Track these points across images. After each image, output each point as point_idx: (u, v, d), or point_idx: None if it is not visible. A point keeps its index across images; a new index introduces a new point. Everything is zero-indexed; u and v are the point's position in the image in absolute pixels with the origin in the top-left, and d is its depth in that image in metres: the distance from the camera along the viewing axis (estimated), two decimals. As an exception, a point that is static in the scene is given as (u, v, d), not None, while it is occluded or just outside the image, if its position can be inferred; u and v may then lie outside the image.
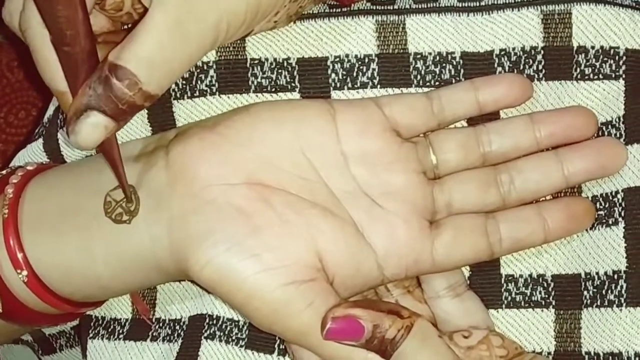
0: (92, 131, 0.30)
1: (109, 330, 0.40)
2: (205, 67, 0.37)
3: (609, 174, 0.35)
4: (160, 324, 0.39)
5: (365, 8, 0.37)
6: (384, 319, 0.31)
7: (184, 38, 0.30)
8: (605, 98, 0.36)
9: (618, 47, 0.35)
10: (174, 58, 0.30)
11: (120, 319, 0.40)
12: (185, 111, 0.37)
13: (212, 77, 0.37)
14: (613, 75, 0.36)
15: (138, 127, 0.38)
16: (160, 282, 0.38)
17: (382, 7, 0.37)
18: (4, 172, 0.37)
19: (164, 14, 0.30)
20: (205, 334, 0.37)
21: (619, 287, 0.35)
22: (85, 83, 0.30)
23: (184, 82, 0.37)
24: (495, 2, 0.36)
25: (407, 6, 0.36)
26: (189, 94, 0.37)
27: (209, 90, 0.37)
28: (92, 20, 0.34)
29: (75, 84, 0.30)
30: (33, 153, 0.41)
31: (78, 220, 0.34)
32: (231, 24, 0.32)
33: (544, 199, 0.36)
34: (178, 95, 0.37)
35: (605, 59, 0.35)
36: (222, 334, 0.37)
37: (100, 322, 0.40)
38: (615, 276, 0.35)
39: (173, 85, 0.37)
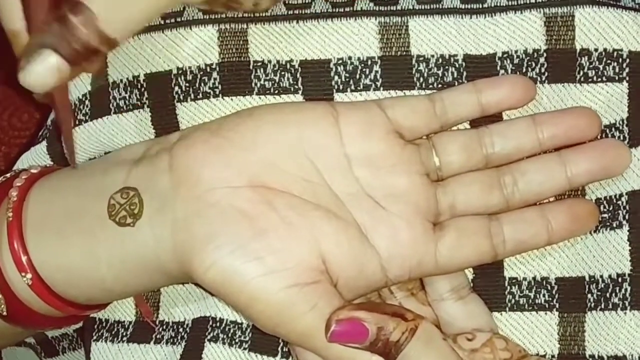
0: (44, 71, 0.29)
1: (113, 332, 0.40)
2: (208, 70, 0.37)
3: (612, 176, 0.35)
4: (164, 327, 0.39)
5: (368, 9, 0.37)
6: (388, 322, 0.31)
7: None
8: (609, 101, 0.36)
9: (621, 50, 0.35)
10: (134, 3, 0.30)
11: (124, 321, 0.40)
12: (188, 114, 0.37)
13: (215, 79, 0.37)
14: (616, 78, 0.35)
15: (141, 129, 0.38)
16: (164, 285, 0.38)
17: (385, 8, 0.37)
18: (8, 175, 0.37)
19: None
20: (209, 337, 0.37)
21: (623, 290, 0.35)
22: (42, 21, 0.29)
23: (187, 84, 0.37)
24: (498, 4, 0.36)
25: (410, 7, 0.36)
26: (192, 96, 0.37)
27: (212, 93, 0.37)
28: None
29: (33, 23, 0.30)
30: (37, 156, 0.41)
31: (82, 223, 0.34)
32: None
33: (547, 200, 0.36)
34: (181, 97, 0.37)
35: (609, 61, 0.35)
36: (225, 336, 0.37)
37: (104, 324, 0.40)
38: (620, 279, 0.35)
39: (176, 88, 0.37)
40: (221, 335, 0.37)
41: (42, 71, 0.29)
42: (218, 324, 0.37)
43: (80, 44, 0.29)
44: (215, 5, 0.34)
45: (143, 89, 0.37)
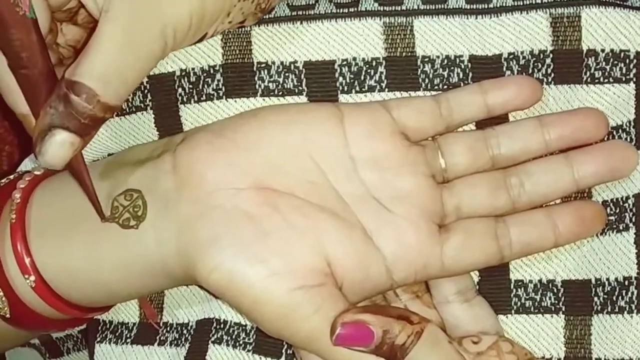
0: (58, 149, 0.30)
1: (117, 334, 0.40)
2: (211, 71, 0.37)
3: (619, 177, 0.35)
4: (168, 328, 0.39)
5: (373, 9, 0.36)
6: (394, 325, 0.31)
7: (133, 48, 0.31)
8: (616, 102, 0.35)
9: (628, 50, 0.35)
10: (127, 68, 0.31)
11: (128, 323, 0.40)
12: (192, 115, 0.37)
13: (218, 81, 0.37)
14: (623, 79, 0.35)
15: (145, 131, 0.38)
16: (168, 287, 0.38)
17: (390, 8, 0.36)
18: (11, 177, 0.37)
19: (112, 27, 0.31)
20: (213, 338, 0.37)
21: (629, 294, 0.35)
22: (46, 103, 0.30)
23: (190, 86, 0.37)
24: (504, 4, 0.36)
25: (415, 7, 0.36)
26: (195, 98, 0.37)
27: (215, 94, 0.37)
28: (67, 33, 0.35)
29: (37, 106, 0.31)
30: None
31: (85, 225, 0.34)
32: (177, 29, 0.32)
33: (554, 202, 0.36)
34: (185, 99, 0.37)
35: (616, 62, 0.35)
36: (229, 338, 0.37)
37: (108, 326, 0.40)
38: (626, 282, 0.35)
39: (180, 90, 0.37)
40: (225, 337, 0.37)
41: (56, 150, 0.30)
42: (222, 326, 0.37)
43: (86, 118, 0.30)
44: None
45: (146, 91, 0.37)
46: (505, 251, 0.34)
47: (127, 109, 0.38)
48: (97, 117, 0.30)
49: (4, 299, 0.34)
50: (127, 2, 0.31)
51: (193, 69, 0.37)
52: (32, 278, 0.34)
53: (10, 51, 0.30)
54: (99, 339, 0.40)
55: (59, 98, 0.30)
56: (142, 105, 0.38)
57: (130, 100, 0.38)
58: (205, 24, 0.33)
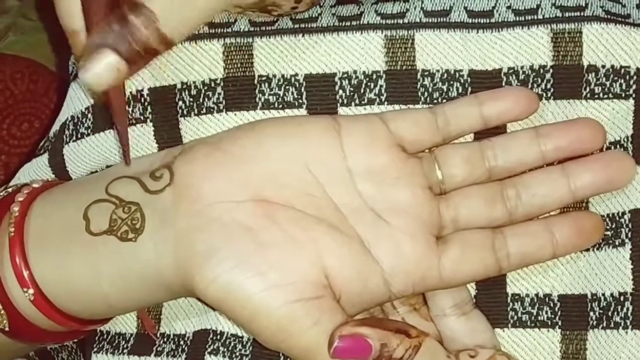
0: (103, 71, 0.30)
1: (114, 344, 0.40)
2: (212, 85, 0.37)
3: (616, 188, 0.35)
4: (165, 339, 0.39)
5: (375, 22, 0.37)
6: (392, 338, 0.31)
7: None
8: (614, 117, 0.36)
9: (629, 67, 0.35)
10: (191, 5, 0.30)
11: (125, 333, 0.40)
12: (192, 128, 0.37)
13: (219, 94, 0.37)
14: (623, 95, 0.35)
15: (144, 143, 0.38)
16: (166, 300, 0.37)
17: (392, 21, 0.36)
18: (10, 189, 0.37)
19: None
20: (209, 349, 0.37)
21: (624, 309, 0.35)
22: (102, 20, 0.30)
23: (191, 99, 0.37)
24: (506, 20, 0.36)
25: (417, 20, 0.36)
26: (195, 111, 0.37)
27: (216, 108, 0.37)
28: None
29: (93, 22, 0.30)
30: (38, 168, 0.41)
31: (84, 237, 0.34)
32: None
33: (552, 213, 0.36)
34: (185, 112, 0.37)
35: (616, 78, 0.35)
36: (225, 349, 0.37)
37: (105, 336, 0.40)
38: (622, 298, 0.35)
39: (180, 102, 0.37)
40: (221, 349, 0.37)
41: (100, 70, 0.30)
42: (218, 337, 0.37)
43: (139, 44, 0.30)
44: (256, 9, 0.34)
45: (147, 104, 0.37)
46: (503, 262, 0.34)
47: (127, 121, 0.38)
48: (150, 46, 0.30)
49: (2, 312, 0.34)
50: None
51: (194, 82, 0.37)
52: (31, 291, 0.34)
53: None
54: (95, 349, 0.40)
55: (118, 18, 0.29)
56: (142, 117, 0.37)
57: (131, 112, 0.38)
58: None
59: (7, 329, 0.35)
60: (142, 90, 0.37)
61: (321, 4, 0.37)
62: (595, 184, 0.35)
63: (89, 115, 0.39)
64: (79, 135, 0.39)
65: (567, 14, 0.36)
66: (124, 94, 0.32)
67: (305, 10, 0.36)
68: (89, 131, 0.39)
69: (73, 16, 0.31)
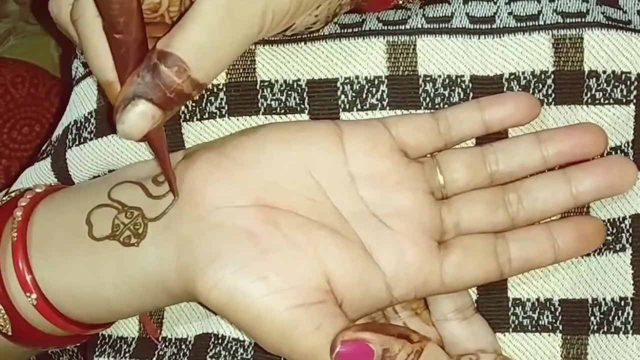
0: (139, 120, 0.30)
1: (115, 348, 0.40)
2: (215, 90, 0.37)
3: (618, 193, 0.35)
4: (167, 343, 0.39)
5: (377, 28, 0.37)
6: (394, 343, 0.31)
7: (232, 26, 0.30)
8: (615, 123, 0.36)
9: (630, 72, 0.35)
10: (223, 46, 0.30)
11: (127, 337, 0.40)
12: (194, 133, 0.37)
13: (221, 99, 0.37)
14: (624, 100, 0.36)
15: (147, 148, 0.38)
16: (168, 304, 0.38)
17: (394, 27, 0.36)
18: (12, 194, 0.37)
19: (214, 2, 0.30)
20: (211, 353, 0.37)
21: (625, 314, 0.35)
22: (134, 71, 0.30)
23: (193, 104, 0.37)
24: (507, 25, 0.36)
25: (419, 26, 0.36)
26: (198, 116, 0.37)
27: (218, 113, 0.37)
28: None
29: (124, 73, 0.30)
30: (40, 172, 0.41)
31: (86, 242, 0.34)
32: (276, 12, 0.32)
33: (554, 218, 0.36)
34: (187, 117, 0.37)
35: (617, 83, 0.35)
36: (227, 353, 0.37)
37: (107, 340, 0.40)
38: (622, 303, 0.35)
39: (182, 107, 0.37)
40: (223, 353, 0.37)
41: (136, 120, 0.30)
42: (220, 341, 0.37)
43: (172, 92, 0.30)
44: (275, 34, 0.35)
45: None
46: (505, 267, 0.34)
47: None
48: (183, 92, 0.30)
49: (5, 316, 0.34)
50: None
51: None
52: (34, 296, 0.34)
53: (109, 15, 0.30)
54: (97, 353, 0.40)
55: (149, 68, 0.30)
56: None
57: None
58: (300, 12, 0.33)
59: (9, 333, 0.35)
60: None
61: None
62: (597, 188, 0.35)
63: (92, 120, 0.39)
64: (82, 140, 0.39)
65: (568, 20, 0.36)
66: (163, 134, 0.33)
67: (319, 28, 0.36)
68: (92, 135, 0.39)
69: (106, 68, 0.31)
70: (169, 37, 0.30)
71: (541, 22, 0.36)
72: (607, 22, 0.36)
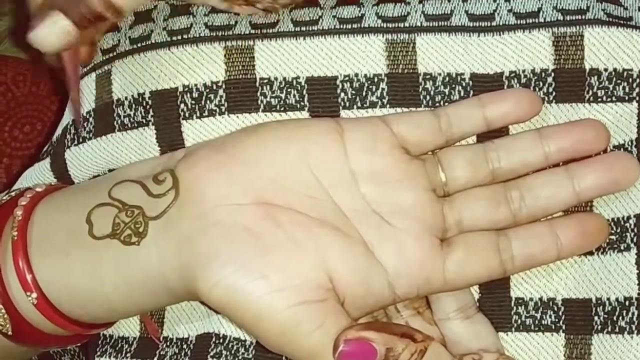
0: (52, 34, 0.30)
1: (117, 348, 0.40)
2: (214, 87, 0.37)
3: (621, 189, 0.35)
4: (168, 343, 0.39)
5: (376, 25, 0.36)
6: (397, 342, 0.31)
7: None
8: (618, 121, 0.36)
9: (631, 70, 0.35)
10: None
11: (128, 337, 0.40)
12: (194, 131, 0.37)
13: (221, 96, 0.37)
14: (626, 98, 0.35)
15: (146, 147, 0.38)
16: (169, 304, 0.38)
17: (393, 25, 0.36)
18: (12, 193, 0.37)
19: None
20: (212, 353, 0.37)
21: (630, 314, 0.35)
22: None
23: (193, 102, 0.37)
24: (507, 23, 0.36)
25: (419, 24, 0.36)
26: (197, 113, 0.37)
27: (218, 110, 0.37)
28: None
29: None
30: (40, 172, 0.41)
31: (86, 241, 0.34)
32: None
33: (556, 215, 0.35)
34: (187, 115, 0.37)
35: (619, 81, 0.35)
36: (228, 353, 0.37)
37: (108, 340, 0.40)
38: (627, 303, 0.35)
39: (182, 105, 0.37)
40: (224, 352, 0.37)
41: (50, 33, 0.30)
42: (221, 341, 0.37)
43: (88, 10, 0.30)
44: (235, 1, 0.34)
45: (148, 107, 0.37)
46: (508, 265, 0.34)
47: (129, 125, 0.38)
48: (100, 14, 0.30)
49: (6, 316, 0.34)
50: None
51: (196, 85, 0.37)
52: (34, 295, 0.34)
53: None
54: (98, 353, 0.40)
55: None
56: (144, 120, 0.37)
57: (132, 115, 0.38)
58: None
59: (10, 333, 0.35)
60: (144, 93, 0.37)
61: (321, 6, 0.37)
62: (600, 185, 0.34)
63: (90, 119, 0.39)
64: (81, 140, 0.39)
65: (568, 17, 0.36)
66: (78, 59, 0.33)
67: (287, 3, 0.36)
68: (91, 135, 0.39)
69: None
70: None
71: (541, 20, 0.36)
72: (607, 19, 0.35)
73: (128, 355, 0.39)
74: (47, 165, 0.40)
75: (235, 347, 0.37)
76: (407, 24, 0.36)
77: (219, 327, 0.37)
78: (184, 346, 0.38)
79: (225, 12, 0.37)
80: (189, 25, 0.37)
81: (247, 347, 0.37)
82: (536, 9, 0.36)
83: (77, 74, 0.33)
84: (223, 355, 0.37)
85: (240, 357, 0.37)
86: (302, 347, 0.32)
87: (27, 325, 0.35)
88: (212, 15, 0.37)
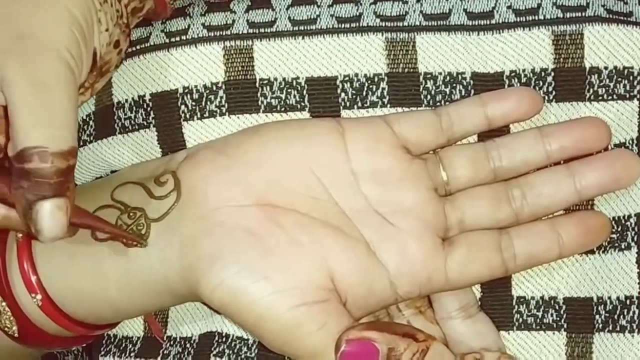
0: (52, 220, 0.29)
1: (121, 348, 0.40)
2: (214, 88, 0.37)
3: (622, 187, 0.35)
4: (171, 342, 0.39)
5: (375, 24, 0.36)
6: (399, 342, 0.31)
7: (45, 88, 0.29)
8: (619, 119, 0.35)
9: (632, 67, 0.35)
10: (53, 108, 0.29)
11: (132, 337, 0.40)
12: (195, 132, 0.37)
13: (221, 97, 0.37)
14: (627, 96, 0.35)
15: (148, 149, 0.38)
16: (172, 305, 0.38)
17: (392, 24, 0.36)
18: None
19: (15, 85, 0.29)
20: (215, 352, 0.37)
21: (631, 313, 0.35)
22: (11, 191, 0.29)
23: (193, 103, 0.37)
24: (506, 21, 0.36)
25: (417, 23, 0.36)
26: (198, 115, 0.37)
27: (218, 111, 0.37)
28: None
29: (6, 198, 0.30)
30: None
31: (90, 243, 0.34)
32: (68, 46, 0.30)
33: (558, 213, 0.35)
34: (188, 116, 0.37)
35: (619, 79, 0.35)
36: (231, 352, 0.37)
37: (112, 339, 0.40)
38: (628, 301, 0.35)
39: (182, 107, 0.37)
40: (227, 351, 0.37)
41: (50, 222, 0.29)
42: (224, 340, 0.38)
43: (52, 176, 0.29)
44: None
45: (149, 109, 0.37)
46: (510, 263, 0.34)
47: (130, 127, 0.38)
48: (61, 169, 0.29)
49: (12, 318, 0.35)
50: (11, 57, 0.29)
51: (196, 86, 0.37)
52: (39, 297, 0.34)
53: None
54: (102, 353, 0.40)
55: (18, 177, 0.29)
56: (145, 122, 0.37)
57: (133, 117, 0.38)
58: (87, 35, 0.32)
59: (16, 335, 0.35)
60: (144, 95, 0.37)
61: (318, 4, 0.37)
62: (601, 183, 0.34)
63: (91, 123, 0.39)
64: (82, 143, 0.39)
65: (568, 15, 0.35)
66: (82, 210, 0.32)
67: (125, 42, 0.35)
68: (92, 138, 0.39)
69: None
70: (11, 143, 0.29)
71: (540, 17, 0.35)
72: (607, 16, 0.35)
73: (132, 354, 0.40)
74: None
75: (238, 346, 0.37)
76: (406, 23, 0.36)
77: (222, 326, 0.38)
78: (187, 345, 0.39)
79: (221, 12, 0.37)
80: (186, 27, 0.37)
81: (250, 346, 0.37)
82: (535, 5, 0.36)
83: (99, 220, 0.32)
84: (226, 354, 0.37)
85: (242, 356, 0.37)
86: (305, 348, 0.32)
87: (32, 327, 0.35)
88: (209, 15, 0.37)
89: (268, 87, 0.36)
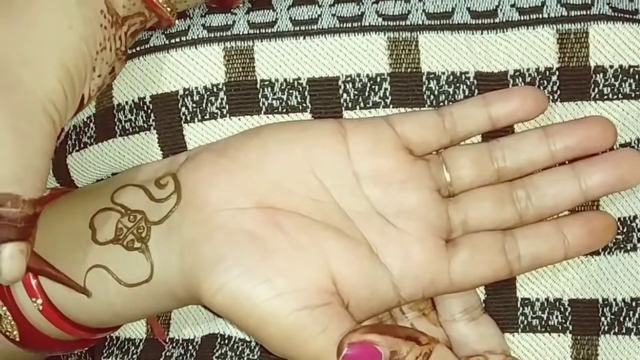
0: (12, 263, 0.29)
1: (123, 350, 0.40)
2: (215, 90, 0.36)
3: (628, 187, 0.34)
4: (174, 344, 0.39)
5: (377, 24, 0.36)
6: (402, 345, 0.31)
7: (26, 139, 0.29)
8: (625, 118, 0.35)
9: (638, 66, 0.34)
10: (31, 158, 0.30)
11: (135, 339, 0.40)
12: (195, 134, 0.37)
13: (222, 99, 0.36)
14: (633, 95, 0.35)
15: (149, 151, 0.38)
16: (173, 308, 0.38)
17: (394, 23, 0.36)
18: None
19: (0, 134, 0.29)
20: (217, 354, 0.37)
21: (637, 315, 0.35)
22: None
23: (194, 105, 0.37)
24: (510, 19, 0.35)
25: (420, 22, 0.36)
26: (199, 116, 0.37)
27: (219, 113, 0.37)
28: None
29: None
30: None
31: (90, 247, 0.34)
32: (55, 101, 0.31)
33: (563, 214, 0.35)
34: (188, 118, 0.37)
35: (625, 78, 0.35)
36: (233, 354, 0.37)
37: (115, 342, 0.40)
38: (634, 303, 0.35)
39: (183, 109, 0.37)
40: (229, 353, 0.37)
41: (10, 264, 0.30)
42: (226, 342, 0.37)
43: (20, 222, 0.29)
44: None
45: (149, 111, 0.37)
46: (514, 265, 0.34)
47: (131, 129, 0.38)
48: (29, 215, 0.29)
49: (12, 322, 0.35)
50: None
51: (196, 87, 0.36)
52: (40, 301, 0.34)
53: None
54: (105, 355, 0.40)
55: None
56: (146, 125, 0.37)
57: (134, 120, 0.37)
58: (77, 86, 0.32)
59: (17, 339, 0.35)
60: (145, 97, 0.37)
61: (319, 4, 0.37)
62: (606, 183, 0.34)
63: (91, 125, 0.39)
64: (82, 145, 0.39)
65: (572, 13, 0.35)
66: (38, 256, 0.32)
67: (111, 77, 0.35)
68: (92, 140, 0.39)
69: None
70: None
71: (545, 15, 0.35)
72: (612, 14, 0.35)
73: (134, 356, 0.40)
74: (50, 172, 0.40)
75: (240, 348, 0.37)
76: (408, 22, 0.36)
77: (224, 328, 0.38)
78: (190, 347, 0.39)
79: (221, 12, 0.37)
80: (186, 28, 0.37)
81: (252, 348, 0.37)
82: (539, 4, 0.35)
83: (53, 269, 0.33)
84: (228, 356, 0.37)
85: (245, 358, 0.37)
86: (306, 352, 0.32)
87: (34, 331, 0.35)
88: (210, 16, 0.37)
89: (269, 88, 0.36)
